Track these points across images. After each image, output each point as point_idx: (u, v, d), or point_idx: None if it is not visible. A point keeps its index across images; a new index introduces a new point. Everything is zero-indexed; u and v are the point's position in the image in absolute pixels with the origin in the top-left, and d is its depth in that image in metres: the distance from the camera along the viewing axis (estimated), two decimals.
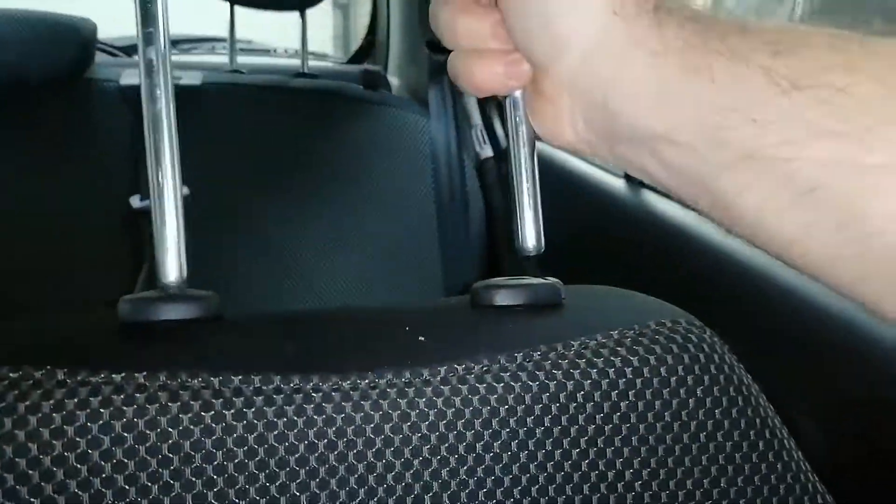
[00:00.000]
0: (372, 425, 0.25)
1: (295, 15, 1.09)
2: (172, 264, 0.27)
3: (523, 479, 0.26)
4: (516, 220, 0.30)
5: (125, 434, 0.23)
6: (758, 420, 0.28)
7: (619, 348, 0.27)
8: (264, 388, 0.24)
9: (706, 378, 0.28)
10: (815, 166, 0.19)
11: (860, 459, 0.46)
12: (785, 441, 0.28)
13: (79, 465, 0.22)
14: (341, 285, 0.92)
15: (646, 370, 0.27)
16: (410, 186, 0.96)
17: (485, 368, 0.26)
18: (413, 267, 0.96)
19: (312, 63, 1.15)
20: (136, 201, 0.86)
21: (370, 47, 1.31)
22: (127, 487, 0.22)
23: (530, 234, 0.30)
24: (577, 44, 0.24)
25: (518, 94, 0.28)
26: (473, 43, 0.26)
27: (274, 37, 1.45)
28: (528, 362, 0.27)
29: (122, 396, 0.23)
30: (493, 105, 1.07)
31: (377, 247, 0.94)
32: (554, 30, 0.24)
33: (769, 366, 0.32)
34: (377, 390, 0.25)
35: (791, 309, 0.53)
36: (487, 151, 1.04)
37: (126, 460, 0.23)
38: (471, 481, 0.26)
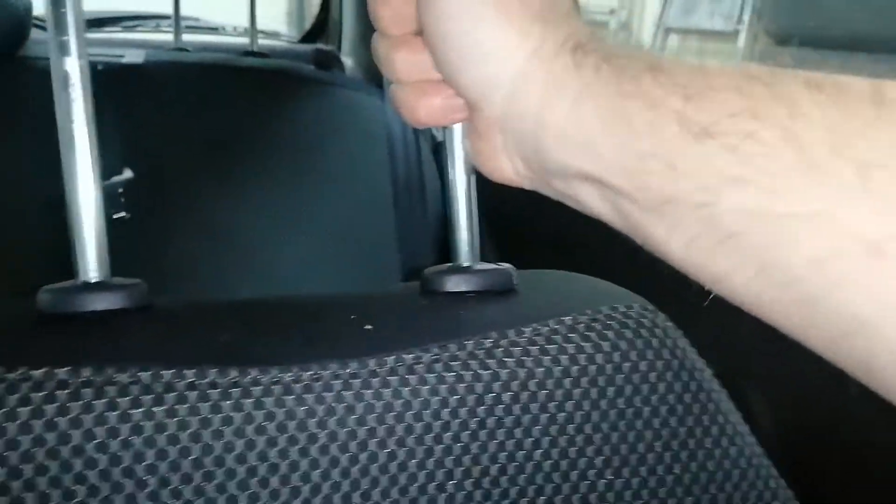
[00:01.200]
0: (315, 419, 0.24)
1: None
2: (91, 254, 0.25)
3: (475, 471, 0.25)
4: (453, 238, 0.30)
5: (45, 434, 0.21)
6: (710, 405, 0.28)
7: (571, 335, 0.27)
8: (198, 382, 0.23)
9: (659, 364, 0.27)
10: (731, 213, 0.19)
11: (807, 432, 0.47)
12: (737, 426, 0.28)
13: None
14: (293, 269, 0.90)
15: (599, 357, 0.26)
16: (365, 169, 0.94)
17: (434, 357, 0.25)
18: (368, 250, 0.94)
19: (262, 42, 1.11)
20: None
21: (323, 26, 1.28)
22: (49, 491, 0.21)
23: (465, 252, 0.30)
24: (502, 84, 0.24)
25: (457, 125, 0.28)
26: (412, 76, 0.26)
27: (225, 17, 1.41)
28: (479, 350, 0.26)
29: (42, 394, 0.21)
30: None
31: (331, 230, 0.92)
32: (478, 70, 0.24)
33: (721, 342, 0.32)
34: (321, 382, 0.24)
35: None
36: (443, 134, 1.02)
37: (47, 462, 0.21)
38: (420, 474, 0.25)
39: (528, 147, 0.24)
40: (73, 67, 0.25)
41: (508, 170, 0.26)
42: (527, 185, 0.26)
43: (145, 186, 0.80)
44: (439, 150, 1.01)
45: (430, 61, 0.26)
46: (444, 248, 0.98)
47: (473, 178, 0.29)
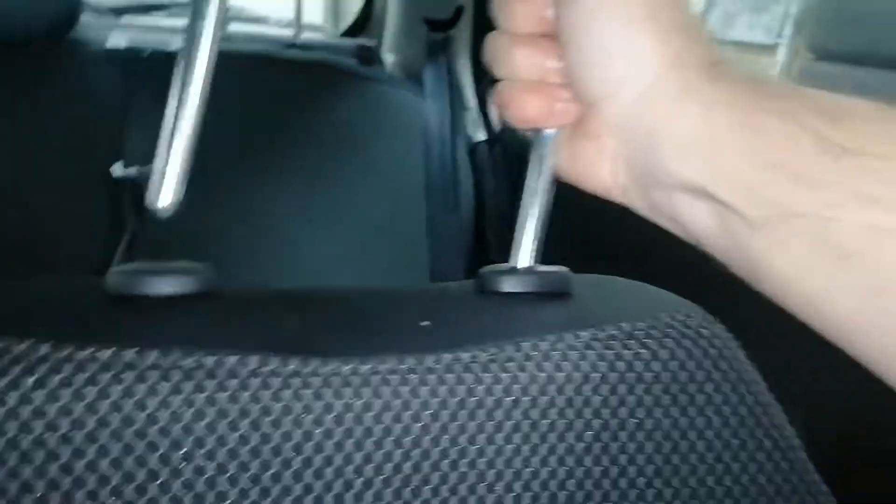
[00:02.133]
0: (371, 413, 0.24)
1: None
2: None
3: (525, 473, 0.25)
4: (515, 239, 0.29)
5: (111, 415, 0.21)
6: (765, 419, 0.27)
7: (629, 341, 0.26)
8: (261, 369, 0.23)
9: (716, 374, 0.27)
10: (856, 232, 0.19)
11: (846, 457, 0.46)
12: (791, 441, 0.28)
13: (60, 448, 0.21)
14: (323, 262, 0.90)
15: (656, 364, 0.26)
16: (401, 165, 0.94)
17: (491, 357, 0.25)
18: (399, 245, 0.94)
19: (306, 35, 1.12)
20: (118, 169, 0.83)
21: (365, 22, 1.28)
22: (111, 473, 0.21)
23: (524, 253, 0.29)
24: (632, 86, 0.24)
25: (551, 130, 0.28)
26: (530, 75, 0.27)
27: (266, 6, 1.42)
28: (535, 352, 0.25)
29: (109, 375, 0.21)
30: (489, 89, 1.05)
31: (363, 223, 0.92)
32: (611, 69, 0.24)
33: (772, 361, 0.31)
34: (379, 376, 0.24)
35: None
36: (480, 135, 1.02)
37: (111, 444, 0.21)
38: (471, 473, 0.25)
39: (642, 154, 0.24)
40: (202, 59, 0.25)
41: (606, 178, 0.26)
42: (618, 197, 0.26)
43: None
44: (475, 151, 1.01)
45: (550, 63, 0.26)
46: (474, 251, 0.98)
47: (550, 187, 0.29)
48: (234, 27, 1.13)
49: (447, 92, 0.95)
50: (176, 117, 0.25)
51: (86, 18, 0.94)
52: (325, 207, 0.91)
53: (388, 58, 1.16)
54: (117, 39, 0.88)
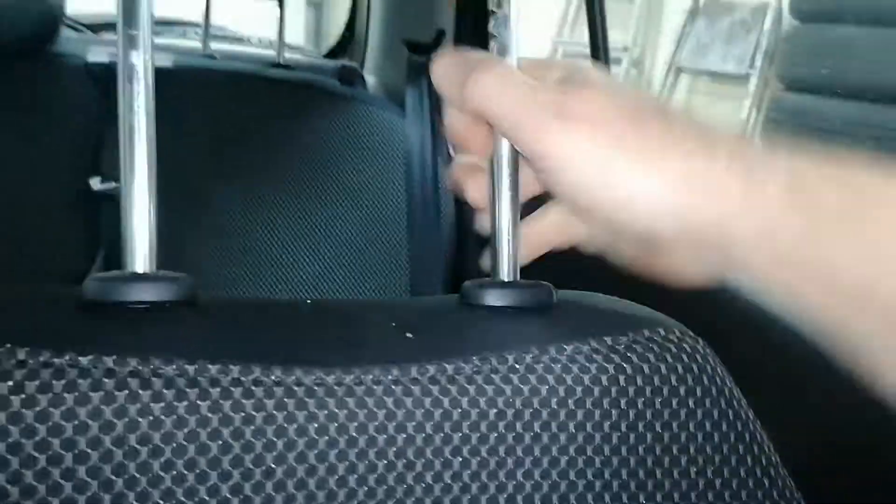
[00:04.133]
0: (355, 424, 0.23)
1: (268, 7, 1.07)
2: (141, 245, 0.25)
3: (509, 486, 0.25)
4: (494, 253, 0.30)
5: (90, 422, 0.21)
6: (747, 434, 0.27)
7: (612, 355, 0.26)
8: (243, 378, 0.23)
9: (698, 389, 0.27)
10: None
11: (826, 475, 0.46)
12: (772, 457, 0.28)
13: (37, 454, 0.20)
14: (305, 278, 0.90)
15: (639, 378, 0.26)
16: (382, 185, 0.95)
17: (475, 369, 0.25)
18: (379, 265, 0.94)
19: (288, 55, 1.12)
20: (96, 183, 0.82)
21: (347, 43, 1.29)
22: (89, 480, 0.21)
23: (505, 267, 0.29)
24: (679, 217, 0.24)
25: (505, 145, 0.29)
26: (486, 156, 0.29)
27: (249, 28, 1.42)
28: (520, 364, 0.26)
29: (88, 381, 0.21)
30: None
31: (344, 244, 0.92)
32: (646, 215, 0.25)
33: (751, 382, 0.32)
34: (363, 387, 0.24)
35: (776, 327, 0.53)
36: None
37: (90, 450, 0.21)
38: (455, 486, 0.24)
39: (714, 260, 0.24)
40: (139, 61, 0.25)
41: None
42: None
43: (165, 189, 0.80)
44: None
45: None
46: (454, 270, 0.98)
47: (519, 195, 0.29)
48: (216, 46, 1.14)
49: (428, 113, 0.96)
50: (129, 127, 0.25)
51: (66, 34, 0.93)
52: (306, 225, 0.91)
53: (370, 79, 1.17)
54: (97, 55, 0.87)
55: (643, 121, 0.24)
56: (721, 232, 0.23)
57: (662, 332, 0.28)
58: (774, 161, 0.23)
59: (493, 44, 0.29)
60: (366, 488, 0.23)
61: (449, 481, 0.24)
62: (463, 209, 0.99)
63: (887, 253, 0.21)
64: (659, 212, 0.24)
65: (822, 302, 0.22)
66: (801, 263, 0.22)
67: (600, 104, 0.25)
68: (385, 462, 0.24)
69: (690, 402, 0.27)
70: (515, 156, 0.29)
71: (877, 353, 0.22)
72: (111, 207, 0.82)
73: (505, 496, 0.25)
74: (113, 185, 0.81)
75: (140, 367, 0.22)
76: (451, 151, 1.03)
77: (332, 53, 1.33)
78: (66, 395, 0.21)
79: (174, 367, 0.22)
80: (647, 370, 0.26)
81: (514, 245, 0.29)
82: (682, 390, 0.27)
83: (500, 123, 0.27)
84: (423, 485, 0.24)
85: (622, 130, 0.24)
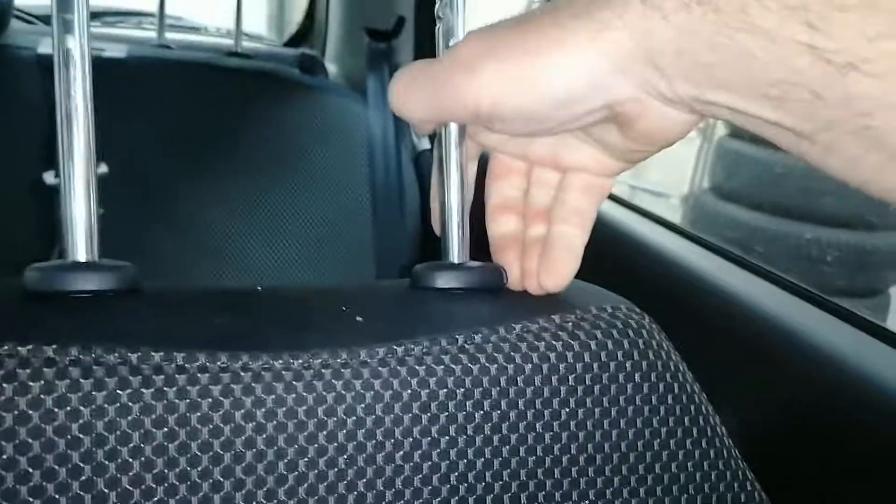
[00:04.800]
0: (304, 408, 0.23)
1: None
2: (81, 233, 0.25)
3: (461, 465, 0.25)
4: (444, 235, 0.30)
5: (30, 412, 0.21)
6: (692, 407, 0.28)
7: (560, 332, 0.27)
8: (188, 365, 0.22)
9: (644, 364, 0.27)
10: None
11: (776, 457, 0.48)
12: (717, 428, 0.29)
13: None
14: (269, 270, 0.89)
15: (586, 355, 0.27)
16: (345, 173, 0.94)
17: (424, 350, 0.25)
18: (344, 254, 0.94)
19: (246, 44, 1.11)
20: (49, 177, 0.81)
21: (307, 31, 1.28)
22: (31, 470, 0.20)
23: (455, 249, 0.30)
24: (603, 88, 0.25)
25: (454, 125, 0.29)
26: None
27: (207, 18, 1.40)
28: (469, 344, 0.26)
29: (28, 371, 0.21)
30: None
31: (308, 233, 0.92)
32: (592, 101, 0.25)
33: (698, 361, 0.32)
34: (311, 371, 0.24)
35: (726, 308, 0.54)
36: (425, 144, 1.03)
37: (31, 440, 0.20)
38: (406, 466, 0.25)
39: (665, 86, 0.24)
40: (75, 46, 0.24)
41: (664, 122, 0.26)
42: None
43: (121, 182, 0.79)
44: (419, 159, 1.02)
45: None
46: (421, 257, 0.98)
47: (467, 177, 0.29)
48: (172, 36, 1.12)
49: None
50: (67, 114, 0.25)
51: (16, 25, 0.91)
52: (269, 214, 0.90)
53: (331, 67, 1.16)
54: (48, 46, 0.85)
55: (526, 21, 0.25)
56: (646, 64, 0.23)
57: (609, 309, 0.28)
58: None
59: (439, 25, 0.29)
60: (316, 471, 0.23)
61: (400, 462, 0.24)
62: (427, 194, 0.99)
63: (781, 35, 0.20)
64: (582, 83, 0.24)
65: (749, 91, 0.22)
66: (721, 62, 0.22)
67: (477, 37, 0.26)
68: (335, 445, 0.24)
69: (637, 377, 0.27)
70: (461, 137, 0.29)
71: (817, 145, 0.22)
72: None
73: (456, 474, 0.25)
74: None
75: (81, 356, 0.21)
76: (415, 138, 1.03)
77: (293, 42, 1.32)
78: (4, 385, 0.20)
79: (116, 354, 0.22)
80: (594, 346, 0.27)
81: (464, 226, 0.29)
82: (628, 365, 0.27)
83: (427, 116, 0.28)
84: (375, 466, 0.24)
85: (507, 39, 0.25)
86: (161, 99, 0.88)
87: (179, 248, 0.86)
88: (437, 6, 0.30)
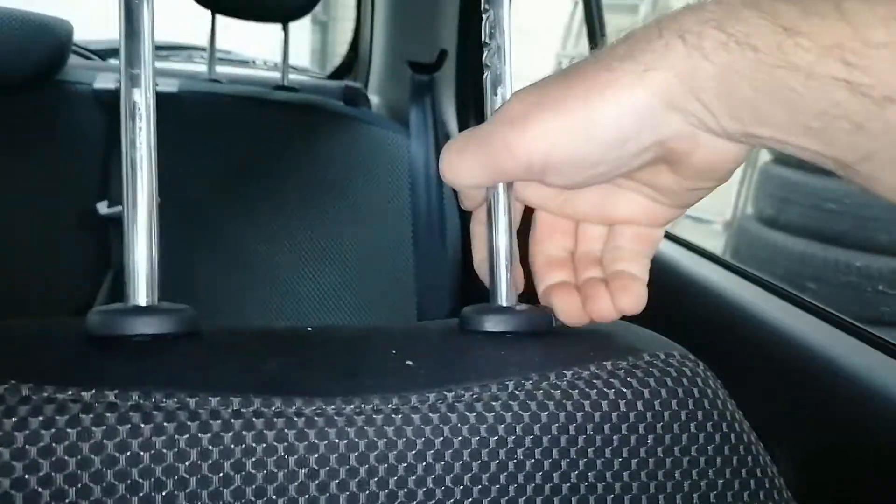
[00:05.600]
0: (356, 453, 0.23)
1: (274, 28, 1.08)
2: (142, 278, 0.26)
3: None
4: (493, 278, 0.30)
5: (93, 457, 0.21)
6: (749, 458, 0.27)
7: (612, 380, 0.26)
8: (243, 410, 0.23)
9: (699, 413, 0.27)
10: None
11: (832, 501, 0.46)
12: (776, 480, 0.28)
13: (41, 490, 0.20)
14: (312, 297, 0.90)
15: (639, 403, 0.26)
16: (387, 205, 0.95)
17: (475, 396, 0.25)
18: (386, 285, 0.94)
19: (293, 77, 1.13)
20: (103, 207, 0.83)
21: (351, 64, 1.30)
22: None
23: (503, 292, 0.30)
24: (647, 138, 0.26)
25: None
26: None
27: (252, 50, 1.44)
28: (520, 391, 0.26)
29: (91, 416, 0.21)
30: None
31: (351, 263, 0.93)
32: (622, 148, 0.26)
33: (751, 401, 0.32)
34: (363, 416, 0.24)
35: (777, 348, 0.53)
36: None
37: (92, 485, 0.21)
38: None
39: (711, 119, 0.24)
40: (141, 99, 0.25)
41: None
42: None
43: (171, 214, 0.81)
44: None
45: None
46: (461, 290, 0.98)
47: (514, 220, 0.29)
48: (221, 70, 1.15)
49: (433, 132, 0.97)
50: (132, 163, 0.26)
51: (74, 61, 0.95)
52: (312, 246, 0.91)
53: (374, 99, 1.18)
54: (104, 81, 0.89)
55: (570, 71, 0.26)
56: (692, 100, 0.24)
57: (662, 356, 0.28)
58: (695, 14, 0.23)
59: (487, 75, 0.30)
60: None
61: None
62: (468, 227, 0.99)
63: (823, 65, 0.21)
64: (631, 121, 0.25)
65: (791, 124, 0.23)
66: (763, 98, 0.22)
67: (525, 93, 0.27)
68: (386, 492, 0.24)
69: (692, 427, 0.27)
70: (508, 183, 0.29)
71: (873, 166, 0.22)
72: (119, 231, 0.83)
73: None
74: (120, 209, 0.82)
75: (142, 401, 0.22)
76: None
77: (337, 74, 1.34)
78: (69, 430, 0.21)
79: (175, 399, 0.22)
80: (647, 395, 0.26)
81: (512, 270, 0.29)
82: (683, 414, 0.27)
83: (480, 178, 0.28)
84: None
85: (554, 90, 0.26)
86: (211, 132, 0.90)
87: (226, 279, 0.87)
88: (484, 55, 0.30)
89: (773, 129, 0.23)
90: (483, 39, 0.30)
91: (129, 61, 0.25)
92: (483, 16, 0.30)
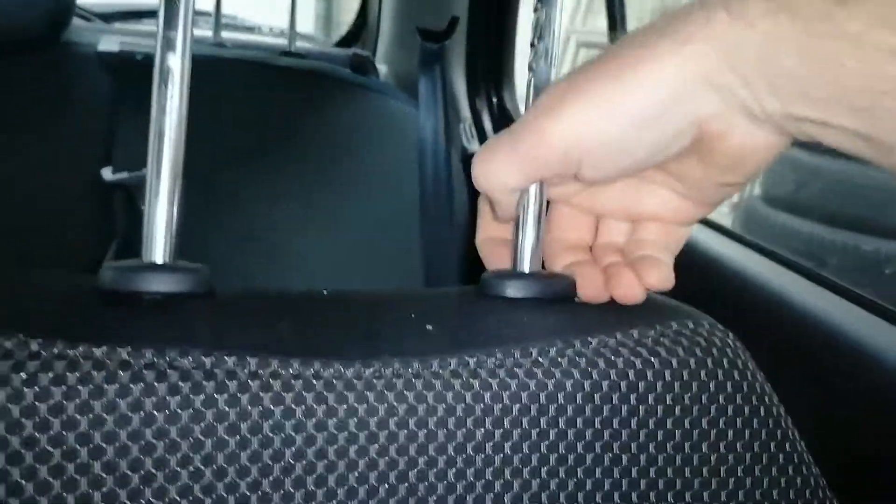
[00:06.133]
0: (376, 418, 0.23)
1: None
2: (160, 235, 0.25)
3: (533, 484, 0.24)
4: (517, 243, 0.29)
5: (105, 415, 0.20)
6: (779, 432, 0.27)
7: (639, 348, 0.26)
8: (260, 371, 0.22)
9: (728, 385, 0.26)
10: None
11: (851, 481, 0.46)
12: (804, 454, 0.27)
13: (51, 449, 0.20)
14: (317, 267, 0.90)
15: (667, 373, 0.25)
16: (395, 174, 0.94)
17: (498, 362, 0.24)
18: (393, 254, 0.94)
19: (299, 44, 1.11)
20: (108, 173, 0.82)
21: (359, 31, 1.28)
22: (104, 476, 0.20)
23: (527, 257, 0.29)
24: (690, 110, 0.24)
25: None
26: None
27: (257, 16, 1.41)
28: (544, 358, 0.25)
29: (103, 373, 0.20)
30: (483, 100, 1.05)
31: (357, 231, 0.92)
32: (664, 130, 0.25)
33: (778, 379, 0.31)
34: (382, 380, 0.23)
35: (802, 327, 0.52)
36: (475, 146, 1.02)
37: (105, 445, 0.20)
38: (478, 484, 0.24)
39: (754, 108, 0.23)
40: (176, 64, 0.24)
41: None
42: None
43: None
44: (469, 160, 1.01)
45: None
46: (467, 259, 0.97)
47: (545, 185, 0.28)
48: (227, 35, 1.13)
49: (441, 102, 0.95)
50: (160, 128, 0.24)
51: (77, 22, 0.93)
52: (319, 214, 0.90)
53: (382, 67, 1.16)
54: (109, 43, 0.87)
55: (605, 53, 0.25)
56: (730, 73, 0.23)
57: (691, 325, 0.27)
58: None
59: (530, 76, 0.29)
60: (386, 486, 0.23)
61: (472, 479, 0.24)
62: (475, 198, 0.98)
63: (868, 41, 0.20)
64: (665, 95, 0.24)
65: (835, 101, 0.22)
66: (807, 70, 0.22)
67: (558, 83, 0.26)
68: (406, 458, 0.23)
69: (721, 398, 0.26)
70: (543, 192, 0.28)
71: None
72: (123, 197, 0.82)
73: (529, 494, 0.24)
74: (126, 174, 0.80)
75: (156, 360, 0.21)
76: (465, 140, 1.02)
77: (344, 42, 1.32)
78: (80, 387, 0.20)
79: (190, 358, 0.21)
80: (675, 364, 0.26)
81: (537, 235, 0.28)
82: (711, 386, 0.26)
83: (515, 176, 0.27)
84: (446, 482, 0.23)
85: (588, 74, 0.25)
86: (216, 97, 0.88)
87: (232, 244, 0.86)
88: (530, 58, 0.29)
89: (815, 106, 0.22)
90: (531, 41, 0.28)
91: (167, 23, 0.24)
92: (534, 15, 0.29)
